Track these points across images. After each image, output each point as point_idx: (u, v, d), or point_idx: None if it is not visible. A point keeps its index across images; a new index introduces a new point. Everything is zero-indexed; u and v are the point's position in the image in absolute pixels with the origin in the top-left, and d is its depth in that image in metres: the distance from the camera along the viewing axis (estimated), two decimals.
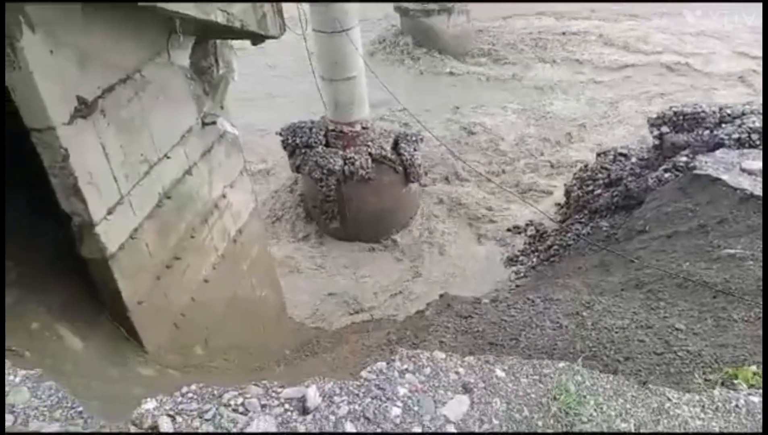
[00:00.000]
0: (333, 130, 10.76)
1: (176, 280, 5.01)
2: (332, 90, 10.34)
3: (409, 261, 10.79)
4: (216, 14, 3.86)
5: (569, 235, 9.94)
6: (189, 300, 5.22)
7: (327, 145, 10.85)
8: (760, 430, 2.45)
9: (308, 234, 11.53)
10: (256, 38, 4.74)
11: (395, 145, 10.80)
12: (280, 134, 11.24)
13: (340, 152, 10.59)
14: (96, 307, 4.55)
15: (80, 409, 1.87)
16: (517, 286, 9.54)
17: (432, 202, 12.08)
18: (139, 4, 3.21)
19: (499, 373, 2.48)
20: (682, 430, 2.39)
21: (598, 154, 11.23)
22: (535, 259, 10.24)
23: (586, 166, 11.38)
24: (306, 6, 9.69)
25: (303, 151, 10.77)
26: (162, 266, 4.82)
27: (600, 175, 10.47)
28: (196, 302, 5.28)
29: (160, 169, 4.71)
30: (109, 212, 4.13)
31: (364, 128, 10.69)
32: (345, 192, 10.62)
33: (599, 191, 10.22)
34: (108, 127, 4.07)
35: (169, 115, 4.78)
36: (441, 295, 8.48)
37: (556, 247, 10.01)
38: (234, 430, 1.93)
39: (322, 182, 10.50)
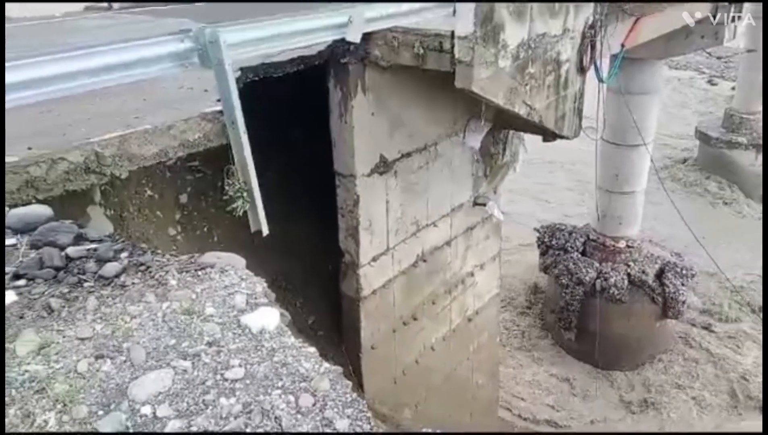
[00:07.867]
0: (594, 240, 10.31)
1: (408, 339, 5.24)
2: (605, 200, 9.97)
3: (640, 404, 9.53)
4: (519, 106, 4.06)
5: None
6: (413, 361, 5.39)
7: (583, 253, 10.41)
8: None
9: (539, 338, 11.03)
10: (549, 135, 4.84)
11: (660, 274, 9.85)
12: (538, 231, 11.14)
13: (596, 264, 10.05)
14: (333, 340, 4.99)
15: (368, 414, 1.99)
16: None
17: (690, 346, 10.56)
18: (457, 85, 3.54)
19: None
20: None
21: None
22: None
23: None
24: (601, 114, 9.63)
25: (557, 253, 10.50)
26: (400, 321, 5.10)
27: None
28: (419, 366, 5.43)
29: (425, 234, 5.06)
30: (374, 259, 4.56)
31: (629, 246, 10.03)
32: (590, 307, 9.98)
33: None
34: (396, 186, 4.54)
35: (447, 188, 5.14)
36: None
37: None
38: None
39: (568, 289, 10.04)
